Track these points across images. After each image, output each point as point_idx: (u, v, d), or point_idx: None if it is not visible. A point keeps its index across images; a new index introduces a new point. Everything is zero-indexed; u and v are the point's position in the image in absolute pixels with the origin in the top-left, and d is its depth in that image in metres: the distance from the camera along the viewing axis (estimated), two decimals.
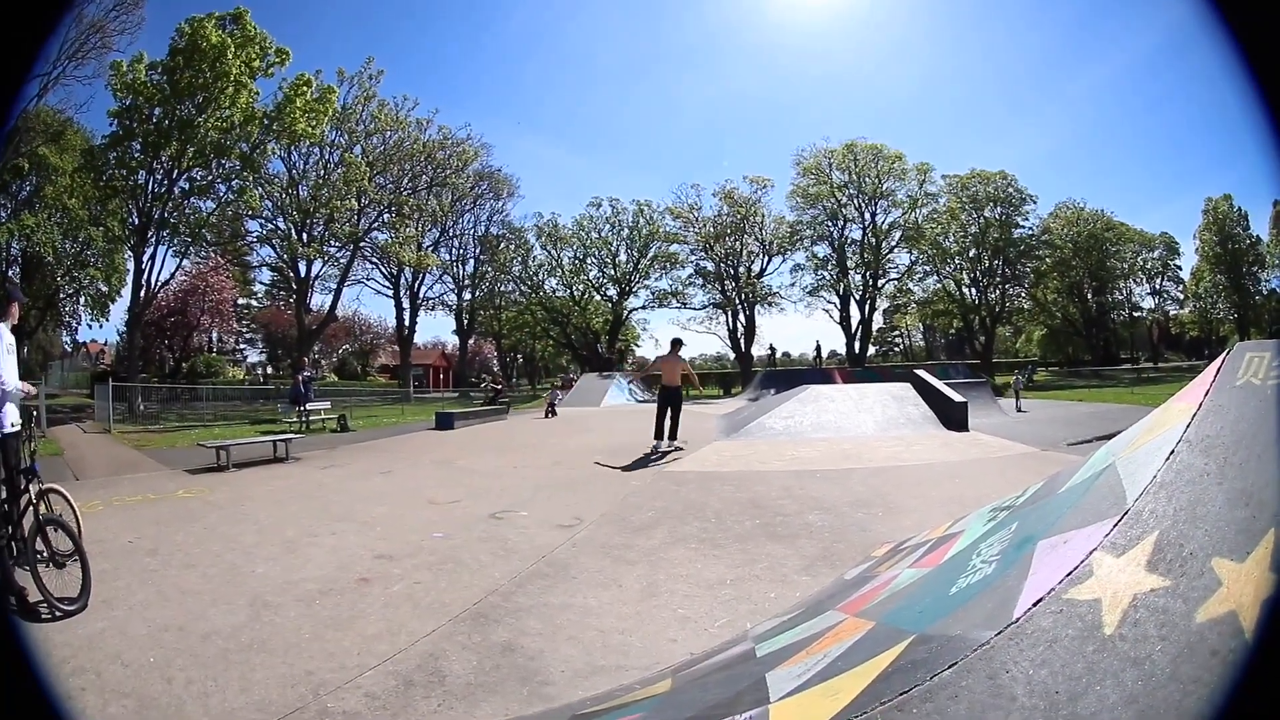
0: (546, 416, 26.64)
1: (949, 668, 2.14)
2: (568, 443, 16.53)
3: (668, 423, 13.72)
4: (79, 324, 42.75)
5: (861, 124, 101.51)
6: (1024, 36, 77.45)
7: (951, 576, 3.20)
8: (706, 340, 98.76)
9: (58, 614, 4.66)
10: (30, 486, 4.96)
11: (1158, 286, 64.80)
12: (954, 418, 16.10)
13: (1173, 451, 2.58)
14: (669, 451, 13.24)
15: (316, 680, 3.76)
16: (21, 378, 5.11)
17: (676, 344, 14.77)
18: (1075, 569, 2.33)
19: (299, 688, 3.68)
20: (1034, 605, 2.26)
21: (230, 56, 30.24)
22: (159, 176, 32.13)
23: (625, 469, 11.57)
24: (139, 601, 5.09)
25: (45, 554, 4.99)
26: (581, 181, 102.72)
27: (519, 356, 75.74)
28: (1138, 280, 64.65)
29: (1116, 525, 2.42)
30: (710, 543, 6.63)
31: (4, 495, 4.85)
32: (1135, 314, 66.24)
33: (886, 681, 2.25)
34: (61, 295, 37.95)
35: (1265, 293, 58.49)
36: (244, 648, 4.21)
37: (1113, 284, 63.15)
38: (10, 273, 33.83)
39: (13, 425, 4.85)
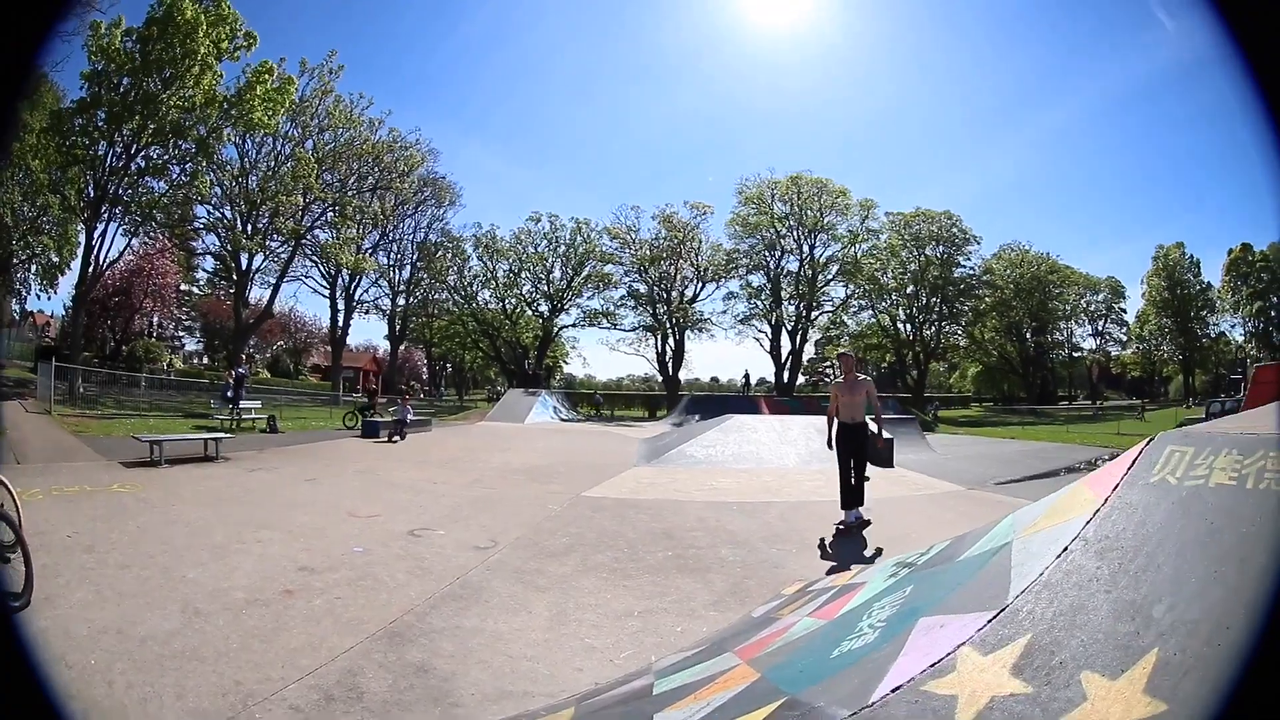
0: (391, 440, 20.47)
1: None
2: (489, 460, 16.59)
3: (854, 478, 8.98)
4: (28, 293, 41.74)
5: (809, 158, 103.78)
6: (980, 79, 79.96)
7: (839, 636, 3.30)
8: (634, 362, 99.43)
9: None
10: None
11: (1101, 328, 67.33)
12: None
13: (1066, 549, 2.56)
14: (853, 525, 8.69)
15: (245, 690, 4.02)
16: None
17: (846, 360, 9.83)
18: (941, 660, 2.34)
19: (229, 697, 3.93)
20: (892, 691, 2.27)
21: (201, 34, 30.24)
22: (118, 150, 31.96)
23: None
24: (79, 601, 5.29)
25: None
26: (523, 194, 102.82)
27: (449, 366, 75.43)
28: (1079, 321, 66.99)
29: (991, 622, 2.42)
30: (621, 573, 6.87)
31: None
32: (1075, 354, 68.48)
33: None
34: (15, 261, 37.09)
35: (1213, 335, 61.56)
36: (178, 655, 4.44)
37: (1054, 324, 65.02)
38: None
39: None
